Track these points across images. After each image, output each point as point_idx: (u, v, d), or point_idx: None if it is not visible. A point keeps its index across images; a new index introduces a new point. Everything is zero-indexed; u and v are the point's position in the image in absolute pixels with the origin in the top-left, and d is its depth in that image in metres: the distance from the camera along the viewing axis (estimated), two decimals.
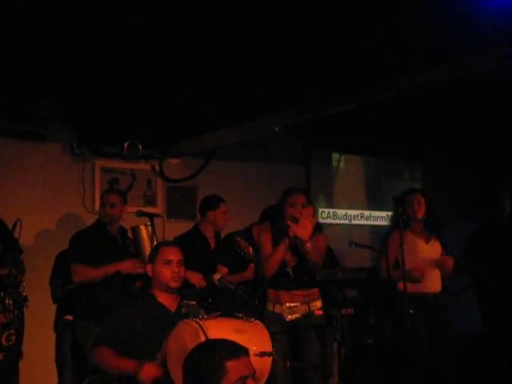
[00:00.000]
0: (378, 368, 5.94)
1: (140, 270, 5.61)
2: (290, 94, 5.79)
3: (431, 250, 6.01)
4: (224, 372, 2.79)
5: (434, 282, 5.94)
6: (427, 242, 6.03)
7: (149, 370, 3.98)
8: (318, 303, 5.56)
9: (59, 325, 6.53)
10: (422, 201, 6.05)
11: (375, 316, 6.19)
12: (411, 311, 5.56)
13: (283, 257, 5.43)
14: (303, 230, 5.31)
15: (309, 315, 5.50)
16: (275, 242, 5.49)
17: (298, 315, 5.48)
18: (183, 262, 4.45)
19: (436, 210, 6.18)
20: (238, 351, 2.88)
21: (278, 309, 5.46)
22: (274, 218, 5.93)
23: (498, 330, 6.76)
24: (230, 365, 2.80)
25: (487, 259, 6.77)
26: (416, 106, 6.71)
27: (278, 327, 5.29)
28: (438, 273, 5.97)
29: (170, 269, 4.36)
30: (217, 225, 6.36)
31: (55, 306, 6.64)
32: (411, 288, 5.52)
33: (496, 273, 6.73)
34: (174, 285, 4.36)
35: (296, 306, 5.48)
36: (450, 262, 5.98)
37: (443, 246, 6.10)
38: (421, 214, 6.01)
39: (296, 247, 5.48)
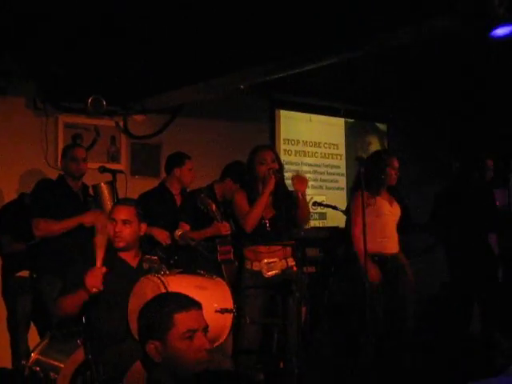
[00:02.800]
0: (336, 327, 5.99)
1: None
2: (255, 51, 5.76)
3: (394, 212, 6.05)
4: (171, 324, 2.81)
5: (392, 243, 5.98)
6: (391, 204, 6.05)
7: (92, 273, 3.98)
8: (293, 259, 5.59)
9: (9, 281, 6.42)
10: (397, 166, 6.05)
11: (337, 275, 6.21)
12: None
13: (263, 210, 5.47)
14: (302, 183, 5.44)
15: (287, 270, 5.54)
16: (250, 201, 5.52)
17: (277, 271, 5.51)
18: (132, 222, 4.38)
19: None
20: (187, 304, 2.89)
21: (256, 266, 5.49)
22: (235, 175, 5.97)
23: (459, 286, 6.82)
24: (178, 317, 2.81)
25: (456, 221, 6.79)
26: (382, 65, 6.73)
27: (256, 284, 5.38)
28: (396, 235, 6.01)
29: (113, 227, 4.33)
30: (183, 181, 6.35)
31: None
32: (370, 248, 5.53)
33: (464, 235, 6.76)
34: (116, 245, 4.32)
35: (274, 262, 5.51)
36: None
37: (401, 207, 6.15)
38: (394, 180, 6.03)
39: (274, 199, 5.54)
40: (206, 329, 2.88)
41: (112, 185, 5.89)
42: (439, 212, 6.93)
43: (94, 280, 3.96)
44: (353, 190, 6.13)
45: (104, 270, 3.98)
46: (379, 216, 5.86)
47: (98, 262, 4.02)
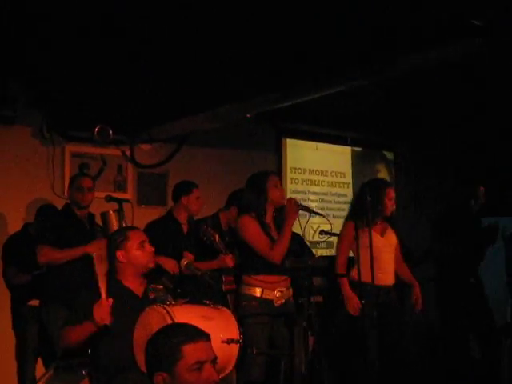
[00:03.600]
0: (339, 356, 5.96)
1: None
2: (261, 80, 5.78)
3: (386, 242, 5.91)
4: (180, 355, 2.77)
5: (386, 275, 5.85)
6: (382, 234, 5.92)
7: (99, 306, 3.96)
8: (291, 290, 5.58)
9: (23, 311, 6.38)
10: (393, 196, 5.95)
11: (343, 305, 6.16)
12: (363, 301, 5.56)
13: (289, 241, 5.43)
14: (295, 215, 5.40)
15: (289, 300, 5.52)
16: (261, 225, 5.45)
17: (283, 300, 5.45)
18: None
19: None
20: (196, 335, 2.86)
21: (268, 294, 5.36)
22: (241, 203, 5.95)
23: (452, 323, 6.80)
24: (187, 348, 2.78)
25: (452, 252, 6.79)
26: (388, 94, 6.74)
27: (265, 313, 5.31)
28: (392, 266, 5.92)
29: (145, 250, 4.34)
30: (190, 210, 6.33)
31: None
32: (364, 278, 5.49)
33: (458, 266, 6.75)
34: (152, 265, 4.36)
35: (283, 291, 5.46)
36: (406, 269, 6.10)
37: (397, 236, 6.07)
38: (390, 210, 5.94)
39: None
40: (214, 360, 2.86)
41: (120, 213, 5.90)
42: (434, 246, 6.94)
43: (102, 313, 3.95)
44: (347, 218, 6.03)
45: (111, 302, 3.96)
46: (369, 248, 5.57)
47: (104, 294, 4.00)
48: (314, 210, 5.83)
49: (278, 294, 5.40)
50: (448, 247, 6.77)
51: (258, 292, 5.38)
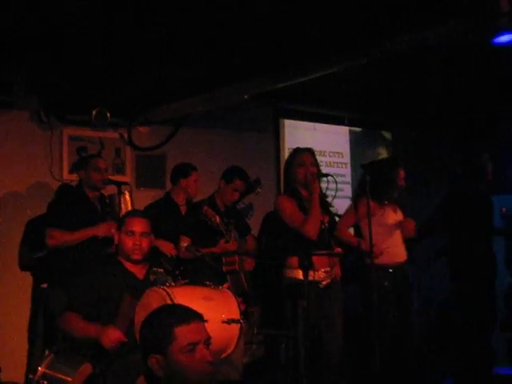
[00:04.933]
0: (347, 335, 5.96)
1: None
2: (258, 61, 5.76)
3: (399, 220, 6.00)
4: (172, 337, 2.80)
5: (400, 251, 5.95)
6: (395, 212, 6.01)
7: (110, 334, 3.99)
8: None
9: (34, 293, 6.42)
10: (403, 176, 6.02)
11: (346, 285, 6.17)
12: (386, 283, 5.59)
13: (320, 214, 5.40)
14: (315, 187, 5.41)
15: (335, 280, 5.50)
16: (298, 205, 5.46)
17: (329, 280, 5.43)
18: (149, 234, 4.43)
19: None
20: (188, 317, 2.87)
21: (311, 275, 5.13)
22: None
23: (465, 296, 6.79)
24: (178, 330, 2.80)
25: (461, 226, 6.77)
26: (384, 73, 6.72)
27: (310, 296, 5.08)
28: (403, 243, 5.98)
29: (132, 240, 4.36)
30: (188, 192, 6.36)
31: (26, 274, 6.56)
32: (379, 260, 5.52)
33: (469, 240, 6.73)
34: (135, 257, 4.37)
35: (327, 271, 5.42)
36: (411, 224, 6.03)
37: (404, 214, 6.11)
38: (399, 191, 6.01)
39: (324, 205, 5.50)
40: (207, 341, 2.86)
41: (118, 196, 5.90)
42: (441, 219, 6.92)
43: (111, 342, 4.01)
44: (355, 198, 6.06)
45: (122, 337, 4.00)
46: (384, 226, 5.79)
47: (120, 328, 4.04)
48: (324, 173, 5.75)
49: (322, 275, 5.37)
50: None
51: (300, 274, 5.13)
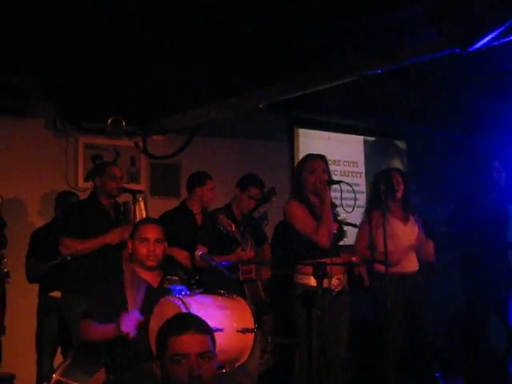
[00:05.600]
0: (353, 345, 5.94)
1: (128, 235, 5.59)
2: (273, 70, 5.77)
3: (409, 231, 5.95)
4: (166, 346, 2.89)
5: (410, 262, 5.90)
6: (405, 223, 5.95)
7: (127, 319, 3.99)
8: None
9: (43, 303, 6.43)
10: (400, 179, 5.98)
11: (356, 294, 6.16)
12: (394, 292, 5.55)
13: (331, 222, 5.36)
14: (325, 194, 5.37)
15: (345, 287, 5.45)
16: (310, 211, 5.40)
17: (340, 287, 5.38)
18: (163, 240, 4.43)
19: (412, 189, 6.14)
20: (181, 328, 2.92)
21: (325, 283, 4.94)
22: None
23: (478, 305, 6.76)
24: (171, 340, 2.88)
25: (473, 233, 6.74)
26: (400, 83, 6.72)
27: (324, 304, 4.91)
28: (413, 253, 5.94)
29: (146, 247, 4.36)
30: (204, 201, 6.36)
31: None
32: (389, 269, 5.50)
33: (481, 247, 6.70)
34: (149, 264, 4.36)
35: (340, 278, 5.37)
36: (430, 247, 6.02)
37: (419, 225, 6.06)
38: (400, 193, 5.94)
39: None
40: (204, 354, 2.87)
41: (133, 204, 5.90)
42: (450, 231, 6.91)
43: (129, 326, 3.99)
44: (368, 210, 6.00)
45: (140, 317, 4.00)
46: (392, 237, 5.63)
47: (134, 307, 4.05)
48: (344, 221, 5.73)
49: (335, 282, 5.32)
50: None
51: (312, 281, 5.00)
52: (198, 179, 6.39)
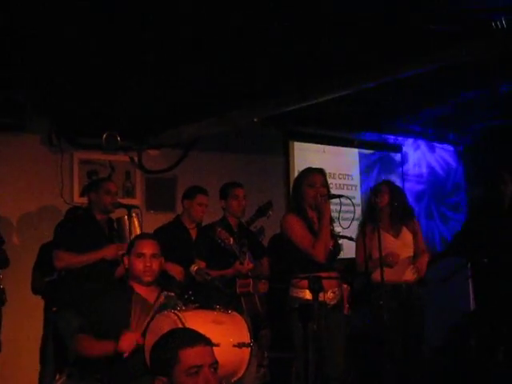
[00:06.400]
0: (352, 357, 5.93)
1: (123, 252, 5.58)
2: (267, 84, 5.79)
3: (401, 244, 5.94)
4: (177, 360, 2.80)
5: (403, 272, 5.87)
6: (396, 236, 5.95)
7: (127, 338, 3.98)
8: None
9: (46, 316, 6.39)
10: (387, 190, 5.99)
11: (354, 307, 6.16)
12: (380, 302, 5.54)
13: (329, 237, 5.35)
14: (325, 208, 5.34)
15: (340, 301, 5.42)
16: (306, 225, 5.38)
17: (335, 301, 5.36)
18: (159, 256, 4.43)
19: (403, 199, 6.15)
20: (193, 340, 2.88)
21: (320, 296, 4.97)
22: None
23: (489, 312, 6.77)
24: (183, 353, 2.81)
25: (484, 242, 6.77)
26: (395, 95, 6.75)
27: (320, 318, 4.93)
28: (409, 264, 5.93)
29: (142, 262, 4.35)
30: (191, 215, 6.29)
31: (35, 298, 6.58)
32: (375, 278, 5.50)
33: (493, 256, 6.72)
34: (145, 279, 4.35)
35: (335, 292, 5.35)
36: (423, 261, 6.03)
37: (415, 232, 6.07)
38: (383, 203, 5.94)
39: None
40: (213, 365, 2.86)
41: (128, 219, 5.91)
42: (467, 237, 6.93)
43: (128, 345, 3.98)
44: (362, 224, 6.04)
45: (139, 337, 3.99)
46: (383, 251, 5.53)
47: (139, 329, 4.04)
48: (340, 234, 5.72)
49: (330, 296, 5.31)
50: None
51: (307, 294, 5.14)
52: (189, 192, 6.34)
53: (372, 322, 5.79)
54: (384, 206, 5.96)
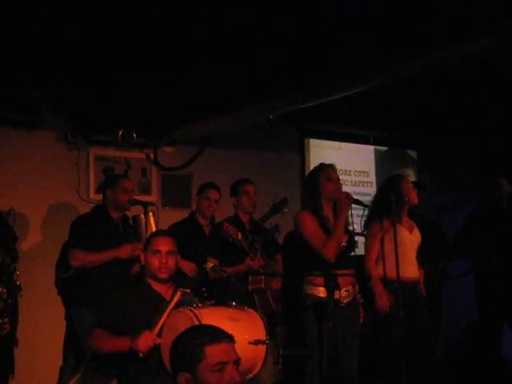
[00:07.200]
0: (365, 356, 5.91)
1: (139, 252, 5.60)
2: (283, 81, 5.77)
3: (414, 239, 5.90)
4: (202, 356, 2.80)
5: (411, 269, 5.79)
6: (411, 231, 5.90)
7: (145, 338, 3.98)
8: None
9: (67, 312, 6.43)
10: (412, 186, 5.96)
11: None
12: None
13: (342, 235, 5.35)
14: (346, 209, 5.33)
15: (355, 299, 5.42)
16: (320, 222, 5.39)
17: (349, 299, 5.36)
18: (175, 253, 4.43)
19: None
20: (219, 336, 2.88)
21: (335, 294, 5.03)
22: None
23: (490, 319, 6.75)
24: (209, 349, 2.81)
25: (485, 246, 6.74)
26: (410, 92, 6.71)
27: (336, 316, 4.96)
28: (416, 263, 5.86)
29: (158, 259, 4.36)
30: (200, 210, 6.30)
31: (51, 295, 6.62)
32: (389, 274, 5.47)
33: (493, 260, 6.70)
34: (161, 276, 4.36)
35: (349, 290, 5.35)
36: None
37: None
38: (415, 199, 5.89)
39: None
40: (237, 361, 2.87)
41: (145, 216, 5.92)
42: (467, 236, 6.90)
43: (146, 345, 3.98)
44: (370, 218, 5.91)
45: (158, 339, 3.99)
46: (399, 245, 5.49)
47: (156, 329, 4.03)
48: (364, 202, 5.71)
49: (344, 294, 5.29)
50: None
51: (321, 292, 5.20)
52: (200, 188, 6.38)
53: (384, 319, 5.72)
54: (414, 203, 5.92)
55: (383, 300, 5.60)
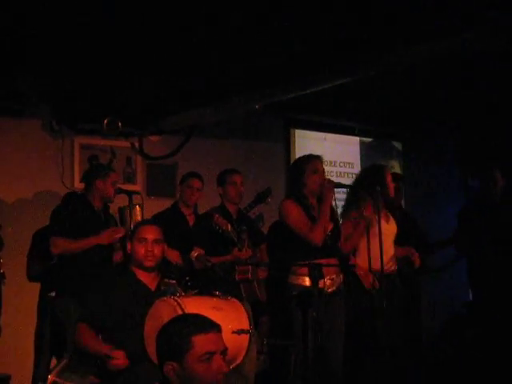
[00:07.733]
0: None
1: (119, 235, 5.60)
2: (269, 71, 5.77)
3: (391, 229, 5.93)
4: (190, 346, 2.81)
5: (390, 261, 5.81)
6: (387, 221, 5.91)
7: (117, 360, 4.00)
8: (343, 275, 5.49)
9: (41, 303, 6.38)
10: (391, 178, 5.97)
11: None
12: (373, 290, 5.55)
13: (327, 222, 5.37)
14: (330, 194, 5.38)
15: (339, 288, 5.44)
16: (305, 211, 5.41)
17: (334, 288, 5.38)
18: (161, 241, 4.44)
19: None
20: (206, 326, 2.90)
21: (320, 283, 5.01)
22: None
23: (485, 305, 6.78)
24: (197, 339, 2.82)
25: (480, 238, 6.78)
26: (396, 84, 6.73)
27: (320, 305, 4.99)
28: (392, 252, 5.88)
29: (144, 247, 4.36)
30: (183, 199, 6.34)
31: (32, 284, 6.57)
32: (372, 265, 5.46)
33: (487, 252, 6.73)
34: (147, 264, 4.37)
35: (333, 278, 5.37)
36: (415, 257, 6.05)
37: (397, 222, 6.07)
38: (392, 192, 5.92)
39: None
40: (224, 351, 2.88)
41: (129, 205, 5.93)
42: (463, 229, 6.93)
43: (114, 366, 4.03)
44: (346, 209, 5.96)
45: (127, 364, 4.02)
46: (376, 235, 5.39)
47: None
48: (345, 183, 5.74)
49: (328, 282, 5.30)
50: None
51: (307, 281, 5.23)
52: (182, 177, 6.41)
53: (365, 310, 5.73)
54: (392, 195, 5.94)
55: (369, 278, 5.63)
